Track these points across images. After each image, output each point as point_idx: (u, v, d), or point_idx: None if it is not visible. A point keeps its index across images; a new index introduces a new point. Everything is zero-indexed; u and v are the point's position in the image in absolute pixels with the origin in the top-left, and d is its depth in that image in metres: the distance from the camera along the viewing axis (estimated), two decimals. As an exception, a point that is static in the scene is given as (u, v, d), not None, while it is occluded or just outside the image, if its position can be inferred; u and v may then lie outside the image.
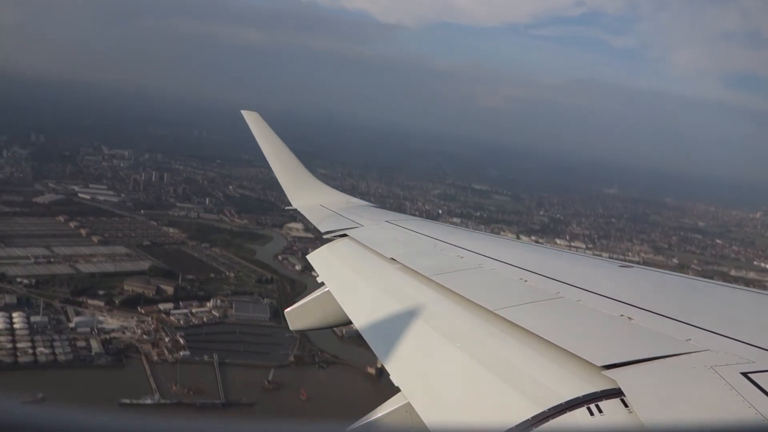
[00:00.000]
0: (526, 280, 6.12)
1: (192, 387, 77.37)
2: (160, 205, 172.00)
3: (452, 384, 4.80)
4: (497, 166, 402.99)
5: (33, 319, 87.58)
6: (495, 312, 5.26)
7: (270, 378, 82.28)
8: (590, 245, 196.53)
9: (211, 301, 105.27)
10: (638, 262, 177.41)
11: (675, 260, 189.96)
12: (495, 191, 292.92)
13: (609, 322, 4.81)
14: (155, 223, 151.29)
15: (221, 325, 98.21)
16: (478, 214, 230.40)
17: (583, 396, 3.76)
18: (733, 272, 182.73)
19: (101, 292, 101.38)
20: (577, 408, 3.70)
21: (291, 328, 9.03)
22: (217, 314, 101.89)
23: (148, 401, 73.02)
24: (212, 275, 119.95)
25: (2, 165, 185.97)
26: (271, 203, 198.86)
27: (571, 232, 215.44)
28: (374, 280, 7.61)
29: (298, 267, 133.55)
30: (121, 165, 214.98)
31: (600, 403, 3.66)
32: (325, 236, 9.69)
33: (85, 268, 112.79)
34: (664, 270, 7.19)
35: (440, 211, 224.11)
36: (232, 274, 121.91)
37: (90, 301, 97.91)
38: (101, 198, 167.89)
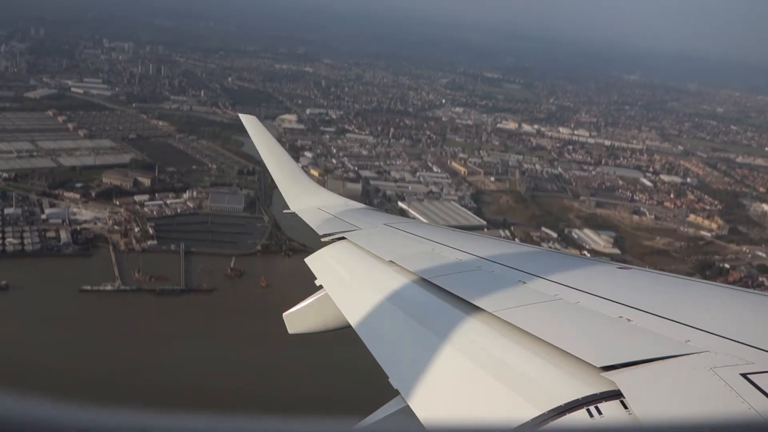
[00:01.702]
0: (524, 282, 6.09)
1: (154, 274, 79.62)
2: (153, 98, 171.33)
3: (451, 386, 4.85)
4: (514, 53, 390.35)
5: (6, 211, 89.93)
6: (494, 314, 5.26)
7: (232, 266, 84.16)
8: (594, 133, 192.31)
9: (188, 192, 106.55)
10: (640, 150, 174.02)
11: (680, 147, 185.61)
12: (507, 79, 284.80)
13: (608, 324, 4.80)
14: (145, 116, 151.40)
15: (194, 216, 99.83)
16: (484, 103, 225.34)
17: (582, 398, 3.76)
18: (739, 159, 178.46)
19: (78, 185, 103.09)
20: (576, 410, 3.70)
21: (289, 332, 8.93)
22: (191, 205, 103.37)
23: (108, 287, 75.65)
24: (194, 167, 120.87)
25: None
26: (268, 95, 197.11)
27: (577, 120, 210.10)
28: (373, 283, 7.60)
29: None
30: (120, 58, 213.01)
31: (599, 405, 3.66)
32: (323, 239, 9.57)
33: (66, 161, 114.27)
34: (661, 272, 7.06)
35: (443, 101, 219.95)
36: (215, 166, 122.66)
37: (66, 194, 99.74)
38: (94, 92, 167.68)
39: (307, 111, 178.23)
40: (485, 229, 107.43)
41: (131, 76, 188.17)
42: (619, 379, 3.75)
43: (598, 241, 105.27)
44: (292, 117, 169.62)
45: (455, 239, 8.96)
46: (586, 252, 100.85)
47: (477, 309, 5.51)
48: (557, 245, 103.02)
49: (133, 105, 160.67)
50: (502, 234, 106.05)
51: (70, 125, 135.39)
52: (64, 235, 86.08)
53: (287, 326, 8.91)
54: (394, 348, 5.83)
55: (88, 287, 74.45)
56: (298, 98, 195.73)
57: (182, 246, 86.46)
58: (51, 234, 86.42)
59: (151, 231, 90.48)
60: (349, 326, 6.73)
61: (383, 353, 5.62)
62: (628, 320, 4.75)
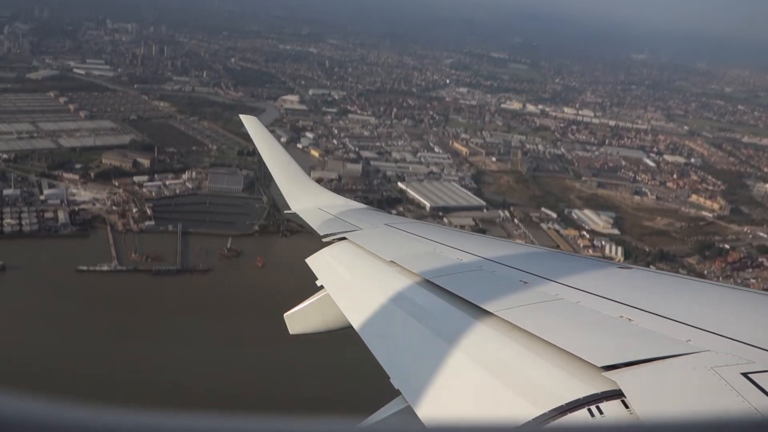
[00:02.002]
0: (525, 282, 6.16)
1: (151, 255, 79.96)
2: (155, 79, 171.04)
3: (452, 386, 4.86)
4: (523, 32, 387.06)
5: (5, 192, 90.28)
6: (495, 313, 5.30)
7: (228, 246, 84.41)
8: (599, 113, 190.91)
9: (187, 173, 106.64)
10: (645, 130, 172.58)
11: (686, 127, 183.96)
12: (513, 59, 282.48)
13: (609, 324, 4.84)
14: (147, 97, 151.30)
15: (192, 196, 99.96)
16: (489, 83, 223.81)
17: (583, 397, 3.79)
18: (745, 139, 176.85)
19: (78, 166, 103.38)
20: (577, 409, 3.73)
21: (290, 332, 9.02)
22: (190, 186, 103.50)
23: (105, 268, 76.04)
24: (194, 148, 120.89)
25: (2, 41, 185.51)
26: (271, 76, 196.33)
27: (582, 100, 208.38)
28: (374, 283, 7.67)
29: (283, 139, 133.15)
30: (123, 39, 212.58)
31: (600, 405, 3.69)
32: (324, 239, 9.60)
33: (67, 142, 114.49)
34: (662, 272, 7.18)
35: (448, 81, 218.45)
36: (215, 147, 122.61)
37: (65, 175, 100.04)
38: (96, 73, 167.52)
39: (310, 92, 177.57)
40: (484, 210, 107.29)
41: (134, 57, 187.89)
42: (620, 379, 3.76)
43: (598, 221, 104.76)
44: (294, 98, 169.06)
45: (456, 239, 9.01)
46: (585, 232, 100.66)
47: (478, 309, 5.52)
48: (556, 225, 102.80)
49: (135, 86, 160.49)
50: (501, 214, 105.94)
51: (71, 106, 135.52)
52: (62, 216, 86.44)
53: (288, 327, 8.92)
54: (395, 348, 5.84)
55: (85, 268, 74.85)
56: (301, 79, 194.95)
57: (179, 226, 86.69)
58: (49, 215, 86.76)
59: (149, 212, 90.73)
60: (351, 326, 6.75)
61: (384, 353, 5.64)
62: (629, 320, 4.75)
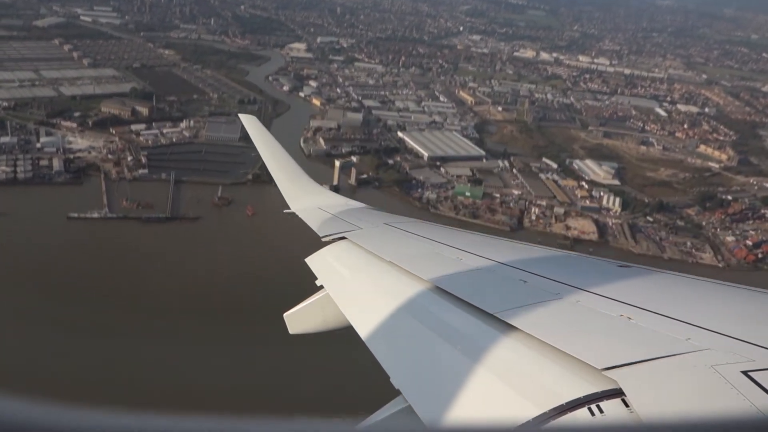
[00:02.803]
0: (525, 281, 6.21)
1: (142, 202, 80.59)
2: (162, 26, 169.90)
3: (452, 386, 4.84)
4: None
5: (2, 140, 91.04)
6: (494, 314, 5.31)
7: (219, 194, 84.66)
8: (615, 61, 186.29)
9: (184, 121, 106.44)
10: (661, 78, 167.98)
11: (704, 76, 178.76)
12: (531, 5, 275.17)
13: (608, 323, 4.86)
14: (152, 45, 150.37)
15: (188, 145, 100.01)
16: (504, 30, 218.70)
17: (583, 396, 3.81)
18: (765, 88, 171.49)
19: (77, 114, 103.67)
20: (577, 408, 3.75)
21: (290, 332, 9.09)
22: (187, 134, 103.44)
23: (95, 215, 76.87)
24: (195, 96, 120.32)
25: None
26: (280, 23, 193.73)
27: (599, 48, 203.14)
28: (373, 283, 7.78)
29: (286, 88, 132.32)
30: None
31: (601, 404, 3.71)
32: (323, 239, 9.61)
33: (68, 90, 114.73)
34: (661, 270, 7.22)
35: (461, 28, 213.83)
36: (216, 95, 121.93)
37: (63, 123, 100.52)
38: (103, 20, 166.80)
39: (318, 39, 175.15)
40: (484, 159, 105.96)
41: (142, 4, 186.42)
42: (621, 378, 3.76)
43: (599, 172, 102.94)
44: (301, 45, 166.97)
45: (456, 239, 9.02)
46: (583, 183, 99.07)
47: (477, 309, 5.50)
48: (555, 176, 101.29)
49: (141, 34, 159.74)
50: (501, 164, 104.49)
51: (75, 54, 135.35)
52: (56, 164, 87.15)
53: (288, 326, 8.94)
54: (395, 348, 5.89)
55: (75, 215, 75.75)
56: (310, 26, 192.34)
57: (172, 175, 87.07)
58: (44, 162, 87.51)
59: (143, 160, 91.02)
60: (350, 326, 6.75)
61: (384, 353, 5.66)
62: (629, 318, 4.73)
